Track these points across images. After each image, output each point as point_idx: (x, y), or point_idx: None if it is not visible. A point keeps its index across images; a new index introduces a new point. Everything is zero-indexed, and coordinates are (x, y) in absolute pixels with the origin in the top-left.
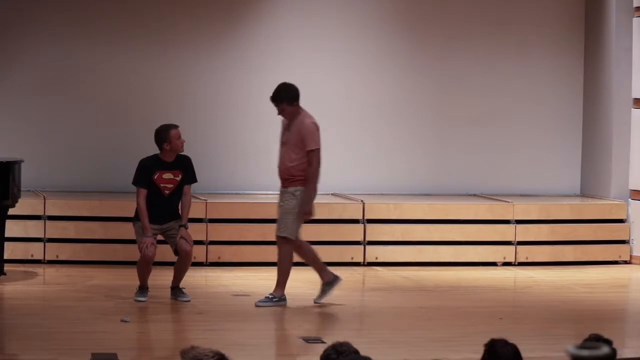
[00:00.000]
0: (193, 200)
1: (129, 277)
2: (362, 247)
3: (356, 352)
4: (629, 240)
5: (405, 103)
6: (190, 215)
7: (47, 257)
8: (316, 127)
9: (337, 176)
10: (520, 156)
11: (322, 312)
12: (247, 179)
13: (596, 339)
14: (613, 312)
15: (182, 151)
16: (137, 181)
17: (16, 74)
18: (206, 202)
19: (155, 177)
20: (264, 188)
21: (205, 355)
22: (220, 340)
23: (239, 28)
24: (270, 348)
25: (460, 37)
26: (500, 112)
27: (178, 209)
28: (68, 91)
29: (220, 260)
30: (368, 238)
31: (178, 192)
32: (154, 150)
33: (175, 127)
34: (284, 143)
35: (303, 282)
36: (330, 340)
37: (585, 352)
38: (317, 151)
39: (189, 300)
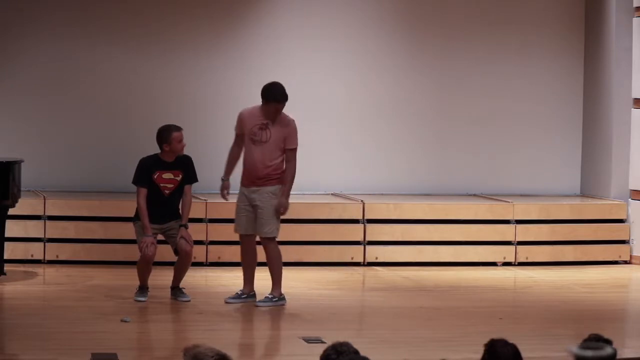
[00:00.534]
0: (193, 200)
1: (129, 277)
2: (362, 247)
3: (356, 352)
4: (629, 240)
5: (405, 103)
6: (190, 215)
7: (47, 257)
8: None
9: (337, 176)
10: (520, 156)
11: (322, 312)
12: None
13: (596, 339)
14: (613, 312)
15: (182, 154)
16: (137, 180)
17: (16, 74)
18: (206, 202)
19: (155, 176)
20: None
21: (206, 355)
22: (220, 340)
23: (239, 28)
24: (270, 348)
25: (460, 37)
26: (500, 112)
27: (178, 209)
28: (68, 91)
29: (220, 260)
30: (368, 238)
31: (178, 192)
32: (154, 150)
33: (178, 129)
34: (260, 142)
35: (303, 282)
36: (330, 340)
37: (588, 353)
38: (296, 149)
39: (189, 300)
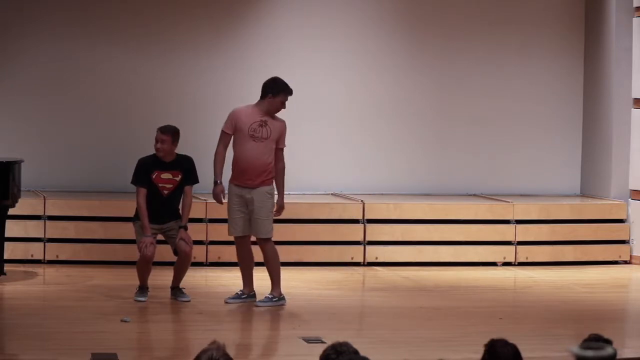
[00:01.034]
0: (193, 200)
1: (129, 277)
2: (362, 247)
3: (356, 352)
4: (629, 240)
5: (405, 103)
6: (190, 216)
7: (47, 257)
8: None
9: (337, 176)
10: (520, 156)
11: (322, 312)
12: None
13: (596, 339)
14: (613, 312)
15: (161, 155)
16: (136, 180)
17: (16, 74)
18: (206, 202)
19: (154, 176)
20: None
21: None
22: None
23: (239, 28)
24: (270, 348)
25: (460, 37)
26: (500, 112)
27: (178, 209)
28: (68, 91)
29: (220, 260)
30: (368, 238)
31: (178, 193)
32: (154, 150)
33: (161, 129)
34: (261, 139)
35: (303, 282)
36: (330, 340)
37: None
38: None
39: (189, 300)
